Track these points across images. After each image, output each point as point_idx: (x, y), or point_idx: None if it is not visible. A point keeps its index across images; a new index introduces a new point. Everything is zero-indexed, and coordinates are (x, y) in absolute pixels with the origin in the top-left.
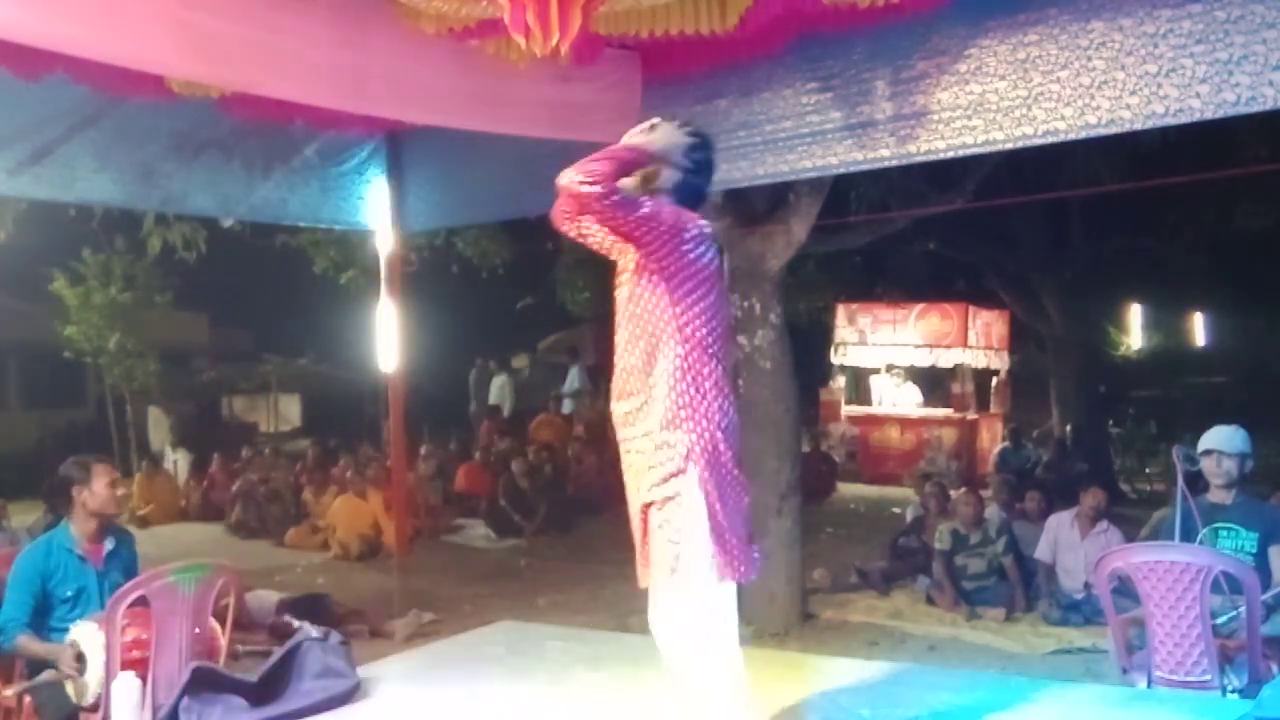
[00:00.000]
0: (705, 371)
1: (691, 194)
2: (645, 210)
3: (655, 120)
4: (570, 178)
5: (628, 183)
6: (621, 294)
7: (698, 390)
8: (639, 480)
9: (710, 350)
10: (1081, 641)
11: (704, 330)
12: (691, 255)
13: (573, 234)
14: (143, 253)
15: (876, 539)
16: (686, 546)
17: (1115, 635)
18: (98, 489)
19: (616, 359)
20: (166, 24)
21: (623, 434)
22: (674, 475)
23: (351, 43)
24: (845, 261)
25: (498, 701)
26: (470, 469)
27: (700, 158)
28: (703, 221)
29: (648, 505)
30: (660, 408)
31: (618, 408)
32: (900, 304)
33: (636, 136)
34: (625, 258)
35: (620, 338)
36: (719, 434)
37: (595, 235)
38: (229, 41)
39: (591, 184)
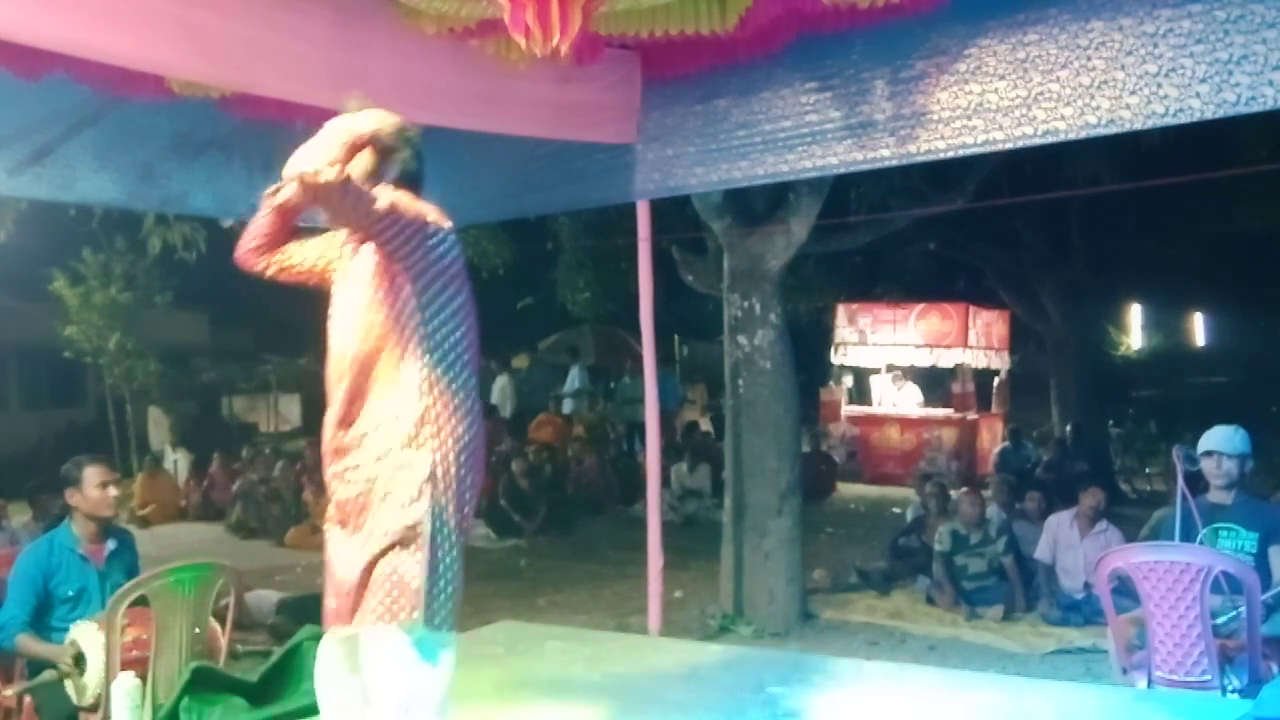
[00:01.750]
0: (457, 382)
1: (413, 183)
2: (386, 202)
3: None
4: (307, 166)
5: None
6: (345, 302)
7: (445, 404)
8: (371, 512)
9: (461, 357)
10: (1081, 641)
11: (455, 335)
12: (438, 252)
13: (271, 271)
14: (143, 253)
15: (876, 539)
16: (422, 585)
17: (1115, 635)
18: (88, 491)
19: (334, 377)
20: (166, 24)
21: (342, 464)
22: (413, 501)
23: (351, 43)
24: (845, 261)
25: (498, 701)
26: None
27: (412, 137)
28: (444, 218)
29: (384, 537)
30: (404, 424)
31: (339, 435)
32: (900, 304)
33: (340, 121)
34: (345, 262)
35: (344, 351)
36: (461, 455)
37: (301, 263)
38: (229, 41)
39: (331, 171)
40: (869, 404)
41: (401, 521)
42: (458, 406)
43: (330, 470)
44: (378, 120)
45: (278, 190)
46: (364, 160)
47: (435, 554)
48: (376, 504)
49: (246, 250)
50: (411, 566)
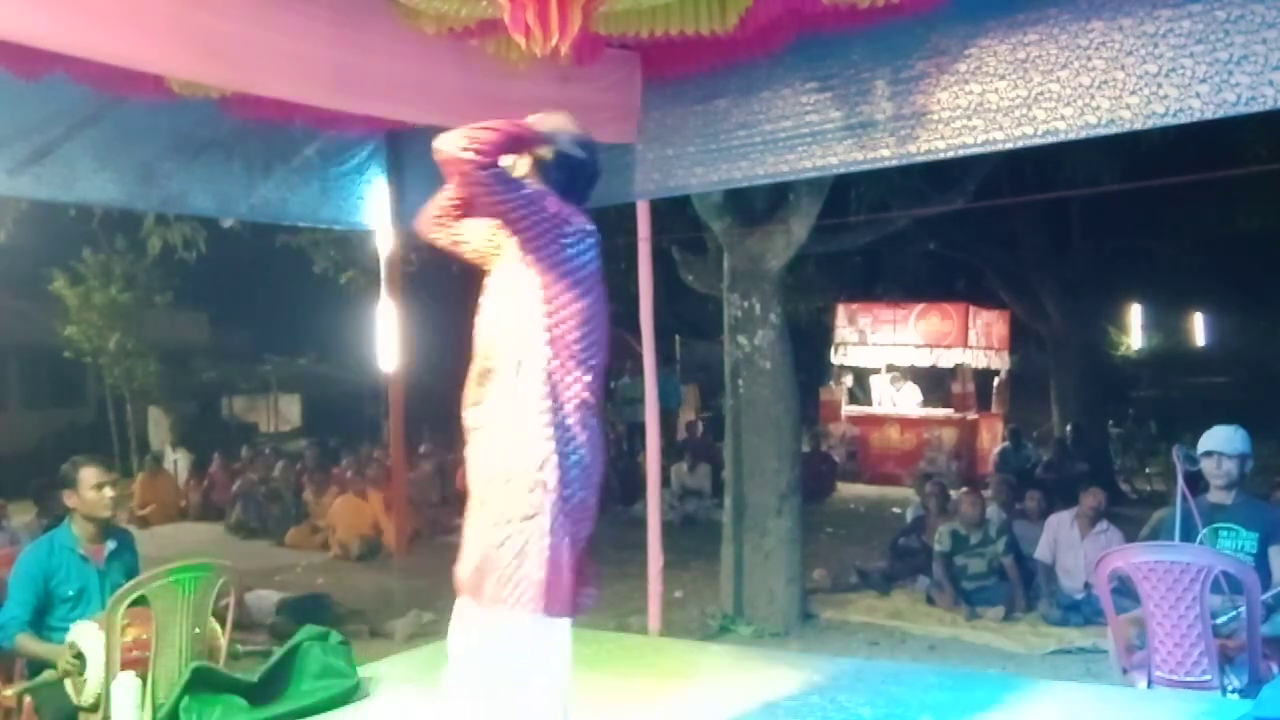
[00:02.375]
0: (569, 382)
1: (577, 191)
2: (528, 191)
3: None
4: (451, 142)
5: (511, 165)
6: (489, 289)
7: (563, 399)
8: (494, 493)
9: (580, 360)
10: (1081, 641)
11: (574, 335)
12: (571, 251)
13: (444, 242)
14: (143, 253)
15: (876, 539)
16: (524, 569)
17: (1115, 635)
18: (85, 493)
19: (476, 358)
20: (166, 24)
21: (472, 442)
22: (531, 490)
23: (351, 43)
24: (845, 261)
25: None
26: None
27: (589, 149)
28: (588, 222)
29: (506, 524)
30: (525, 414)
31: (470, 415)
32: (900, 304)
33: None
34: (498, 257)
35: (479, 335)
36: (579, 448)
37: (471, 242)
38: (229, 41)
39: (475, 151)
40: (869, 404)
41: (520, 510)
42: (577, 403)
43: (468, 445)
44: (558, 123)
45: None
46: (527, 159)
47: (554, 542)
48: (500, 486)
49: (428, 218)
50: (531, 554)
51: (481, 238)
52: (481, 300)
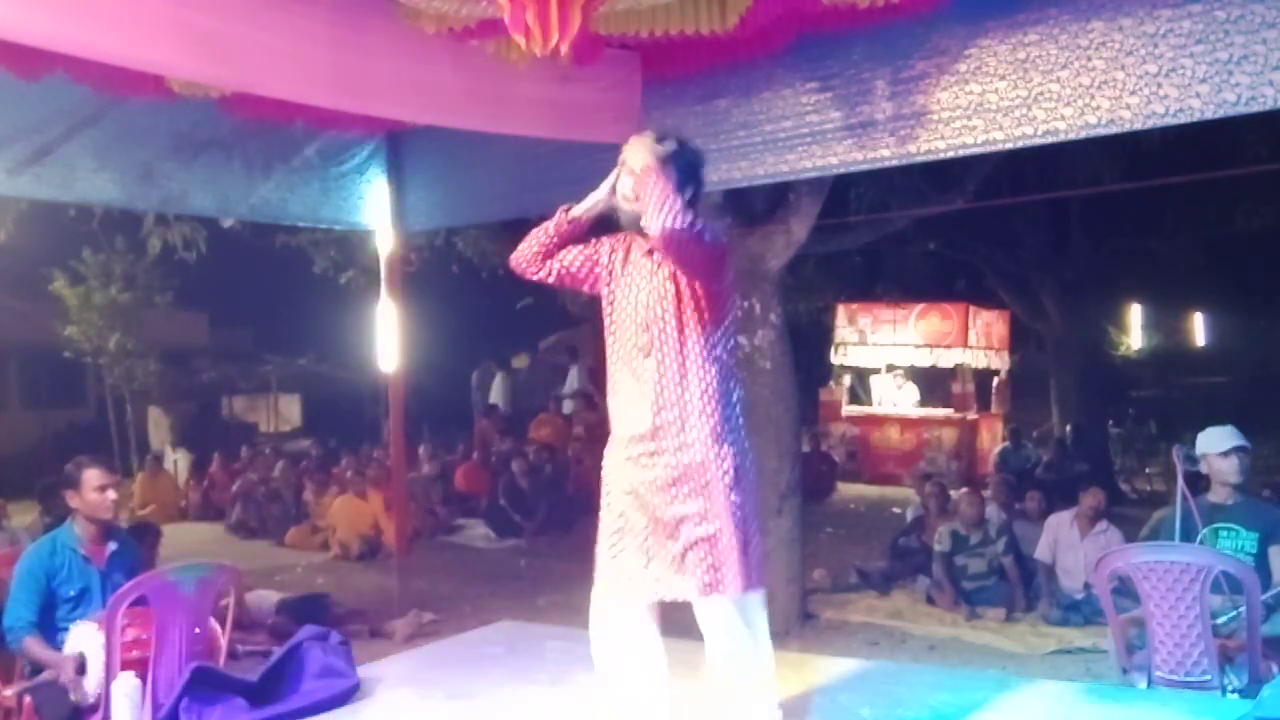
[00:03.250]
0: (739, 386)
1: (699, 175)
2: (724, 240)
3: (658, 143)
4: (677, 223)
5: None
6: (638, 303)
7: (736, 404)
8: (676, 491)
9: (733, 372)
10: (1081, 641)
11: (732, 343)
12: (731, 276)
13: (542, 275)
14: (143, 253)
15: (876, 539)
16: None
17: (1115, 635)
18: (87, 494)
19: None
20: (166, 24)
21: (650, 446)
22: (730, 488)
23: (351, 43)
24: (845, 261)
25: (498, 701)
26: (470, 469)
27: (702, 164)
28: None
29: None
30: (702, 425)
31: (653, 417)
32: (900, 304)
33: (653, 165)
34: (618, 268)
35: (644, 347)
36: (751, 453)
37: (574, 268)
38: (229, 41)
39: (695, 228)
40: (869, 404)
41: (716, 513)
42: (738, 418)
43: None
44: (690, 157)
45: (573, 206)
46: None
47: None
48: (682, 487)
49: (529, 256)
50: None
51: (582, 260)
52: (615, 315)
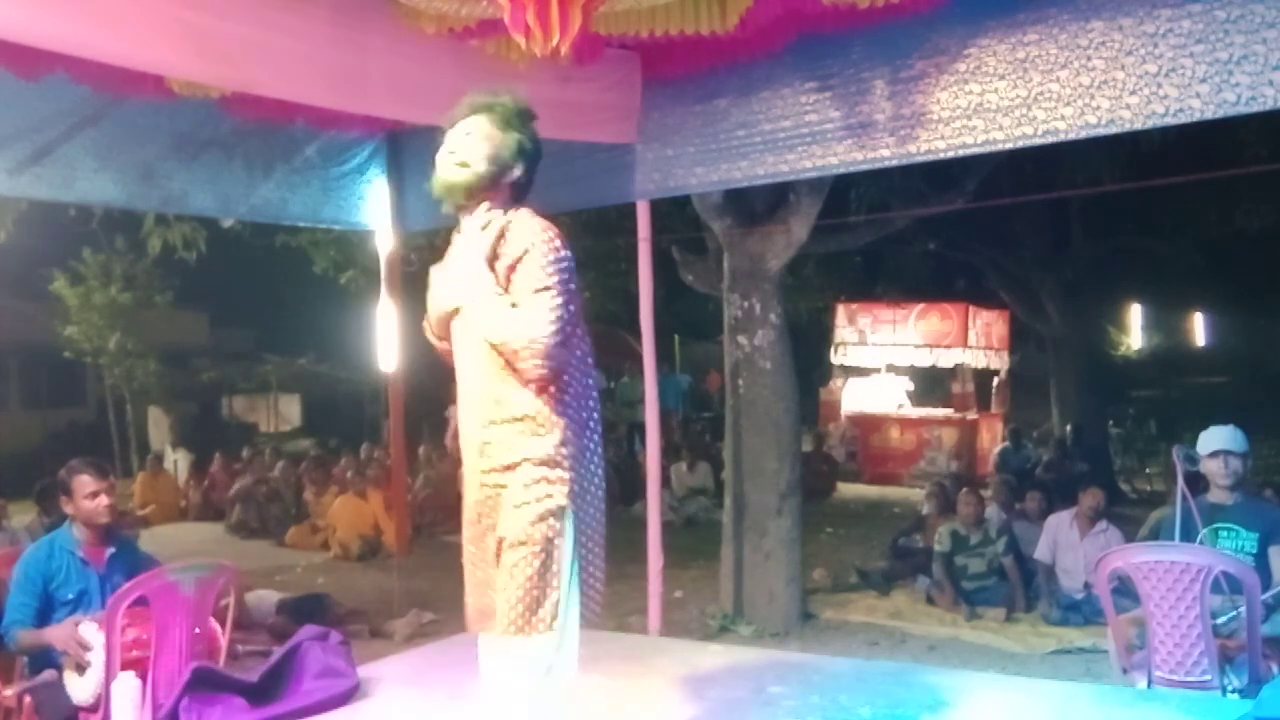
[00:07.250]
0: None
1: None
2: (577, 349)
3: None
4: (537, 364)
5: (488, 171)
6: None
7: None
8: (502, 513)
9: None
10: (1081, 641)
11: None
12: (575, 305)
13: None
14: (143, 253)
15: (876, 539)
16: (556, 592)
17: (1115, 635)
18: (78, 501)
19: (467, 383)
20: (166, 24)
21: (479, 464)
22: (551, 515)
23: (351, 43)
24: (845, 261)
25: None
26: None
27: (531, 144)
28: (565, 251)
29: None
30: (543, 438)
31: (481, 433)
32: (900, 304)
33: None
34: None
35: (476, 362)
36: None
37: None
38: (229, 41)
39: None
40: (869, 404)
41: (541, 532)
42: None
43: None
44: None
45: None
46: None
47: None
48: (510, 510)
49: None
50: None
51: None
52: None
